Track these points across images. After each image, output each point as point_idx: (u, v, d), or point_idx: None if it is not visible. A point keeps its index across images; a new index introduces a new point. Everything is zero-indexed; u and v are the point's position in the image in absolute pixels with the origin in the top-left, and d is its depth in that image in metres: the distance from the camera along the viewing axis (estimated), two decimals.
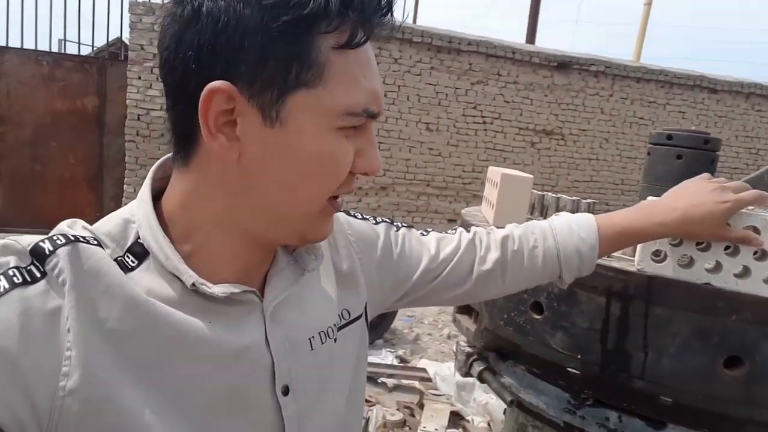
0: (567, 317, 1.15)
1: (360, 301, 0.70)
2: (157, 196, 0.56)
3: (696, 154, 1.42)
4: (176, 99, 0.52)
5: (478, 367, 1.39)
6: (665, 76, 7.26)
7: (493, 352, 1.42)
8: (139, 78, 5.70)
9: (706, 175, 0.92)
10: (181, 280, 0.52)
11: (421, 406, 3.32)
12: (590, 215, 0.86)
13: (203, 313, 0.52)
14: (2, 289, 0.44)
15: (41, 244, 0.48)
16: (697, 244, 1.00)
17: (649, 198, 0.96)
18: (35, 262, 0.46)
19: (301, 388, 0.58)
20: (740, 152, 7.85)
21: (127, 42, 6.51)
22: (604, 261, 1.14)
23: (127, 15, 5.66)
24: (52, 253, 0.47)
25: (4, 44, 5.88)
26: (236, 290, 0.53)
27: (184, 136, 0.53)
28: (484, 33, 6.59)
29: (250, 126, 0.50)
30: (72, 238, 0.48)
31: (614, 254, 1.25)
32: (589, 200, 1.65)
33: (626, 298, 1.08)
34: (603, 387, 1.16)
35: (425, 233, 0.81)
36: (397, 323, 4.54)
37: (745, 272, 0.98)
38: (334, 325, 0.65)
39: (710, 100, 7.59)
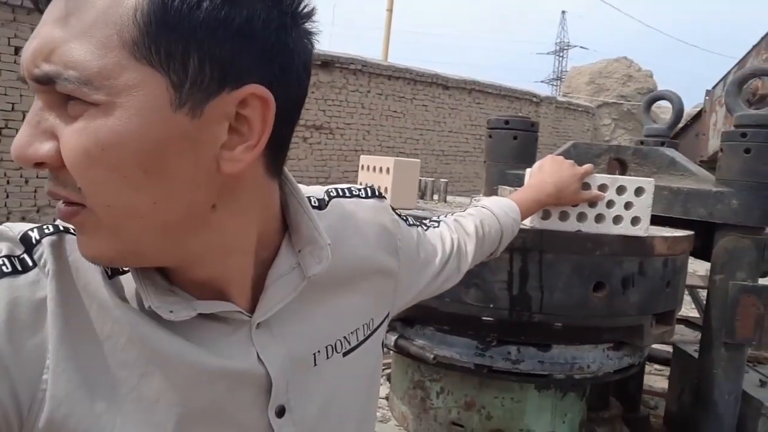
0: (478, 275, 1.37)
1: (385, 310, 0.66)
2: None
3: (526, 135, 1.78)
4: None
5: (392, 337, 1.53)
6: (410, 74, 8.26)
7: (399, 321, 1.58)
8: None
9: (549, 156, 1.23)
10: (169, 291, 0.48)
11: None
12: (507, 199, 1.05)
13: (181, 329, 0.47)
14: None
15: (29, 232, 0.46)
16: None
17: (528, 175, 1.23)
18: (27, 251, 0.45)
19: (300, 409, 0.53)
20: (469, 138, 9.40)
21: None
22: None
23: None
24: (38, 242, 0.45)
25: None
26: (209, 310, 0.48)
27: None
28: None
29: None
30: (61, 229, 0.47)
31: None
32: (443, 180, 1.92)
33: (525, 251, 1.35)
34: (509, 327, 1.42)
35: (425, 227, 0.80)
36: None
37: (600, 218, 1.32)
38: (351, 336, 0.59)
39: (444, 95, 8.90)
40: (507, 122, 1.78)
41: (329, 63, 7.32)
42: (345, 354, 0.57)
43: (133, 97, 0.39)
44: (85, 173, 0.40)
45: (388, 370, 2.09)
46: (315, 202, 0.60)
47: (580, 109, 11.48)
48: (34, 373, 0.42)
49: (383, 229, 0.65)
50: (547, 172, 1.16)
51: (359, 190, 0.67)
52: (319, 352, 0.55)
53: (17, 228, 0.46)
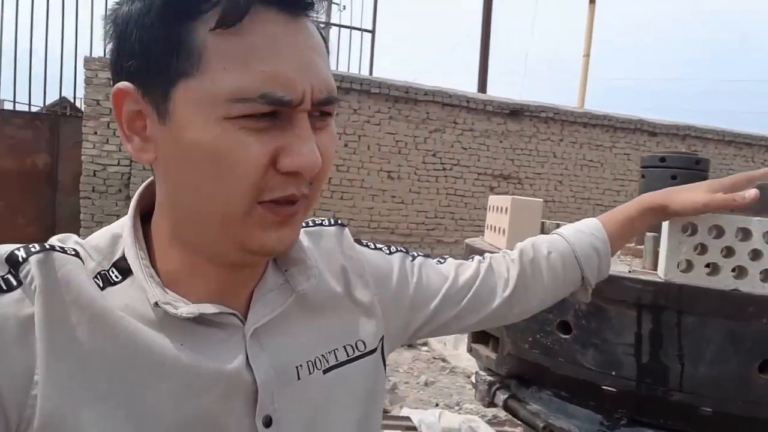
0: (598, 334, 1.15)
1: (376, 333, 0.66)
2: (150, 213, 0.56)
3: (689, 174, 1.48)
4: None
5: (502, 396, 1.36)
6: (609, 120, 7.69)
7: (514, 379, 1.40)
8: (95, 133, 5.55)
9: None
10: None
11: None
12: (590, 218, 0.88)
13: (177, 334, 0.49)
14: None
15: (16, 252, 0.47)
16: (721, 251, 1.03)
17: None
18: (12, 270, 0.46)
19: (286, 422, 0.54)
20: None
21: (72, 100, 6.37)
22: (631, 274, 1.15)
23: (82, 71, 5.57)
24: (24, 260, 0.46)
25: None
26: (210, 311, 0.50)
27: None
28: (435, 84, 6.84)
29: (153, 125, 0.48)
30: (47, 247, 0.48)
31: (638, 268, 1.27)
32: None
33: (657, 309, 1.09)
34: (639, 403, 1.15)
35: (442, 261, 0.78)
36: None
37: None
38: (329, 355, 0.60)
39: (651, 142, 8.06)
40: (663, 159, 1.51)
41: (518, 111, 7.21)
42: (325, 371, 0.59)
43: None
44: (329, 169, 0.51)
45: None
46: None
47: None
48: (23, 390, 0.43)
49: (347, 257, 0.67)
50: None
51: (322, 219, 0.69)
52: (300, 366, 0.57)
53: (2, 249, 0.48)
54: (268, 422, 0.53)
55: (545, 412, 1.29)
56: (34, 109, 6.52)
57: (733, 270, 1.03)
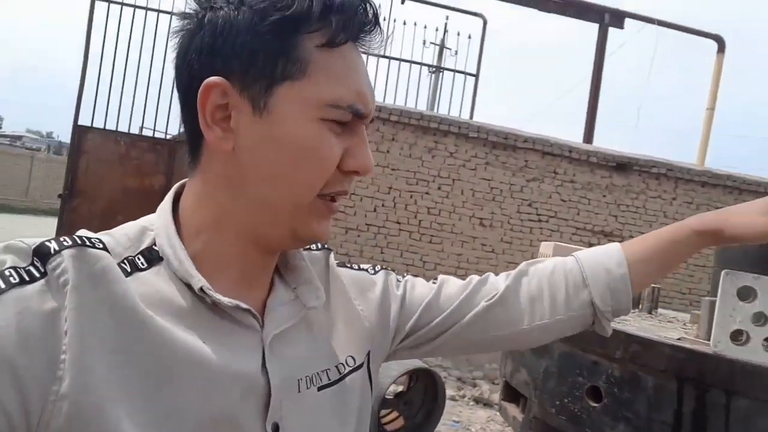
0: (630, 406, 0.98)
1: (363, 348, 0.69)
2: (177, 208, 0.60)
3: None
4: (184, 102, 0.57)
5: None
6: (733, 181, 7.00)
7: None
8: None
9: None
10: (190, 288, 0.53)
11: None
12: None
13: (201, 329, 0.52)
14: None
15: (47, 243, 0.48)
16: None
17: None
18: (35, 262, 0.47)
19: (289, 430, 0.56)
20: None
21: None
22: (675, 342, 0.99)
23: None
24: (57, 252, 0.47)
25: (89, 124, 6.44)
26: (243, 305, 0.54)
27: (193, 138, 0.57)
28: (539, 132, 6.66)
29: (242, 117, 0.54)
30: (79, 241, 0.49)
31: (686, 336, 1.09)
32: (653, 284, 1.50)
33: (702, 386, 0.91)
34: None
35: (434, 282, 0.80)
36: (442, 428, 4.20)
37: None
38: (322, 374, 0.62)
39: None
40: None
41: (626, 165, 6.78)
42: (319, 389, 0.61)
43: None
44: None
45: None
46: None
47: None
48: (45, 385, 0.44)
49: (333, 278, 0.70)
50: None
51: (309, 246, 0.71)
52: (301, 379, 0.59)
53: (31, 240, 0.49)
54: (275, 428, 0.55)
55: None
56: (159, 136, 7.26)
57: None
